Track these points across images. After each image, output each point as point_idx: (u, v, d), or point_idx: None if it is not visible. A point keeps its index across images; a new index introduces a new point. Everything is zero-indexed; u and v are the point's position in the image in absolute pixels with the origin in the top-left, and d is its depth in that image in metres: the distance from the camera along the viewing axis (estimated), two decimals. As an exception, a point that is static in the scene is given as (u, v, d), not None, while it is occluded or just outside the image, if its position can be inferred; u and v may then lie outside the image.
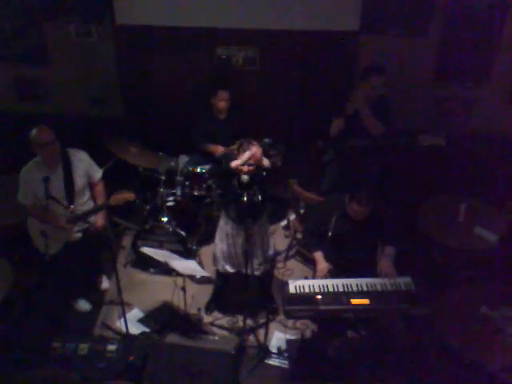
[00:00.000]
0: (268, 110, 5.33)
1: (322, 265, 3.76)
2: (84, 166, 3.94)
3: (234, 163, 3.63)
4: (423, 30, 4.87)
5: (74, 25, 4.92)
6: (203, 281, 4.34)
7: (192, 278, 4.28)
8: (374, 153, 4.46)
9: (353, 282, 3.67)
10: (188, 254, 4.43)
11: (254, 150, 3.60)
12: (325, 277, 3.71)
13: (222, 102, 4.79)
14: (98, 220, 3.99)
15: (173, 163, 4.82)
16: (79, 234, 3.96)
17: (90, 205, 4.04)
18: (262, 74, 5.22)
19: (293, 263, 4.77)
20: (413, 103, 5.16)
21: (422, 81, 5.14)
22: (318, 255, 3.81)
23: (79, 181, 3.90)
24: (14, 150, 4.78)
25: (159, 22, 4.93)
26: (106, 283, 4.45)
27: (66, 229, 3.83)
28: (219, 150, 4.83)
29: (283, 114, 5.33)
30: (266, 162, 3.79)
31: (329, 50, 5.01)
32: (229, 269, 3.98)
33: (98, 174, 4.06)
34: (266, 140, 4.69)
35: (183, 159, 5.05)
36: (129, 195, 3.70)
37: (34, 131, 3.67)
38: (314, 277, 3.87)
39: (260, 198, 3.70)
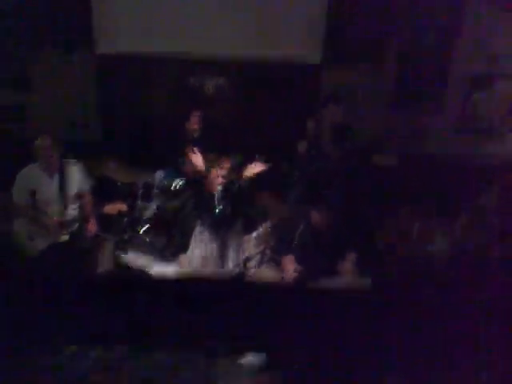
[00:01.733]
0: (238, 129, 5.71)
1: (289, 265, 4.08)
2: (77, 176, 4.30)
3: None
4: (380, 60, 5.33)
5: (55, 54, 5.21)
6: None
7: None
8: (336, 171, 4.88)
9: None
10: (165, 261, 4.69)
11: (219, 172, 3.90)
12: (292, 276, 4.03)
13: (193, 123, 5.17)
14: (91, 227, 4.27)
15: (149, 179, 5.11)
16: (66, 237, 4.21)
17: (79, 213, 4.33)
18: (231, 100, 5.63)
19: (264, 270, 5.06)
20: (369, 127, 5.60)
21: (379, 107, 5.58)
22: (287, 258, 4.14)
23: (72, 188, 4.23)
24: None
25: (136, 49, 5.30)
26: None
27: (55, 230, 4.08)
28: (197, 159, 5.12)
29: (252, 133, 5.71)
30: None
31: (292, 80, 5.43)
32: (203, 272, 4.24)
33: (87, 185, 4.39)
34: (238, 155, 5.08)
35: (159, 174, 5.35)
36: (121, 206, 4.00)
37: (38, 140, 4.05)
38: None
39: (232, 207, 4.03)
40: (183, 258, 4.69)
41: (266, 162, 4.33)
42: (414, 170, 5.35)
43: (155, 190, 4.93)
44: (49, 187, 4.08)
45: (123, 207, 4.05)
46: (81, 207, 4.36)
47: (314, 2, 5.21)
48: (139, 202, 4.86)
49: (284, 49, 5.36)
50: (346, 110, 4.94)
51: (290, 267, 4.08)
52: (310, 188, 5.00)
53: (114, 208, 4.05)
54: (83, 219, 4.26)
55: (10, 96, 5.57)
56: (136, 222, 4.83)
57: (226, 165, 3.98)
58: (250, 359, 3.95)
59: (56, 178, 4.16)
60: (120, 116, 5.72)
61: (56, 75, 5.45)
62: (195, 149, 4.28)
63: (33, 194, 4.07)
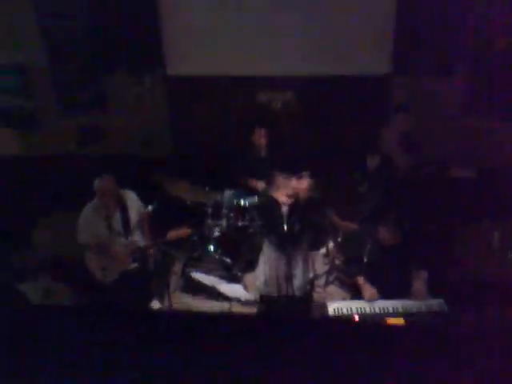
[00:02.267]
0: (306, 145, 5.72)
1: (371, 290, 3.95)
2: (135, 204, 4.49)
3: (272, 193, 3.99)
4: (453, 69, 5.17)
5: (129, 76, 5.51)
6: (248, 303, 4.64)
7: (238, 301, 4.59)
8: (407, 184, 4.75)
9: (389, 304, 3.91)
10: (233, 280, 4.77)
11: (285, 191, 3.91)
12: (373, 298, 3.92)
13: (259, 138, 5.24)
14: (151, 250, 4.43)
15: (218, 197, 5.24)
16: (135, 265, 4.40)
17: (143, 239, 4.51)
18: (300, 115, 5.65)
19: (332, 288, 5.02)
20: (443, 137, 5.41)
21: (451, 116, 5.40)
22: (363, 281, 4.01)
23: (133, 217, 4.43)
24: (72, 190, 5.35)
25: (206, 71, 5.47)
26: (156, 306, 4.80)
27: (125, 261, 4.28)
28: (259, 185, 5.23)
29: (321, 149, 5.69)
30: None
31: (361, 92, 5.38)
32: (271, 290, 4.26)
33: (144, 210, 4.57)
34: (304, 173, 5.09)
35: (228, 193, 5.46)
36: (185, 231, 4.15)
37: (98, 180, 4.22)
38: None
39: (299, 226, 4.04)
40: (250, 276, 4.77)
41: (311, 177, 4.29)
42: (490, 181, 5.11)
43: (224, 210, 5.02)
44: (110, 222, 4.25)
45: (187, 232, 4.16)
46: (142, 234, 4.55)
47: (382, 15, 5.14)
48: (209, 221, 4.97)
49: (352, 61, 5.33)
50: (417, 120, 4.82)
51: (373, 293, 3.95)
52: (379, 203, 4.91)
53: (178, 233, 4.17)
54: (145, 246, 4.41)
55: (86, 117, 5.91)
56: (205, 241, 4.96)
57: (293, 183, 3.99)
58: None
59: (116, 211, 4.34)
60: (190, 135, 5.91)
61: (129, 96, 5.72)
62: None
63: (96, 232, 4.27)
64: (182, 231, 4.20)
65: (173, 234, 4.18)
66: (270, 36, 5.27)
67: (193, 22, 5.29)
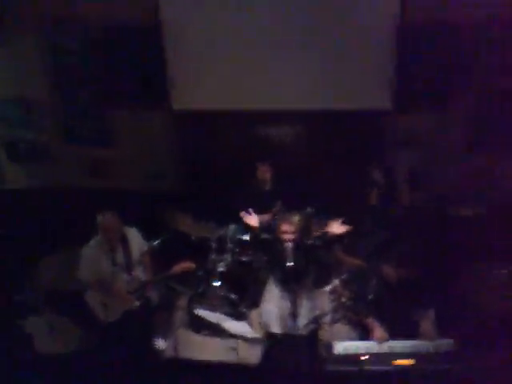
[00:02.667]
0: (310, 181, 5.72)
1: (381, 332, 3.87)
2: (137, 240, 4.47)
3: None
4: (456, 105, 5.21)
5: (136, 111, 5.58)
6: (254, 341, 4.55)
7: (243, 339, 4.50)
8: (412, 221, 4.73)
9: (397, 344, 3.83)
10: (239, 316, 4.69)
11: (287, 228, 3.89)
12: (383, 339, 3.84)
13: (263, 173, 5.25)
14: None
15: (222, 232, 5.21)
16: (137, 303, 4.34)
17: (145, 276, 4.47)
18: (302, 149, 5.69)
19: (339, 326, 4.92)
20: (450, 174, 5.43)
21: (457, 152, 5.42)
22: (373, 322, 3.94)
23: (135, 254, 4.40)
24: (80, 223, 5.35)
25: (210, 106, 5.56)
26: (162, 344, 4.72)
27: (127, 299, 4.23)
28: (263, 218, 5.21)
29: (324, 185, 5.67)
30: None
31: (363, 127, 5.42)
32: (276, 328, 4.20)
33: (145, 246, 4.54)
34: (309, 209, 5.09)
35: (232, 228, 5.43)
36: (189, 265, 4.11)
37: (101, 216, 4.20)
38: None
39: (304, 263, 4.00)
40: (255, 313, 4.70)
41: (345, 223, 4.27)
42: (497, 218, 5.07)
43: (229, 244, 4.99)
44: (113, 259, 4.25)
45: (192, 266, 4.13)
46: (145, 269, 4.52)
47: (384, 52, 5.21)
48: (213, 256, 4.94)
49: (354, 98, 5.39)
50: (419, 157, 4.84)
51: (383, 335, 3.87)
52: (384, 239, 4.87)
53: (182, 267, 4.14)
54: (148, 281, 4.39)
55: (93, 151, 5.97)
56: (210, 276, 4.91)
57: (296, 219, 3.97)
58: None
59: (118, 248, 4.32)
60: (196, 168, 5.95)
61: (134, 131, 5.78)
62: (250, 210, 4.30)
63: (98, 269, 4.25)
64: (187, 265, 4.18)
65: (177, 268, 4.17)
66: (273, 71, 5.36)
67: (198, 57, 5.40)
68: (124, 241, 4.38)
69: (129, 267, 4.34)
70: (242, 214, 4.98)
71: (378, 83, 5.27)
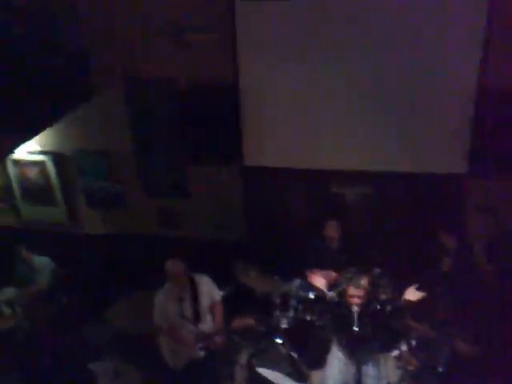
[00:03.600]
0: (378, 241, 5.63)
1: None
2: (207, 288, 4.54)
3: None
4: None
5: (209, 166, 5.84)
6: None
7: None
8: (485, 290, 4.50)
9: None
10: (299, 376, 4.60)
11: (356, 292, 3.84)
12: None
13: (331, 231, 5.23)
14: (218, 338, 4.43)
15: (287, 287, 5.20)
16: (202, 353, 4.39)
17: (213, 325, 4.51)
18: (372, 208, 5.64)
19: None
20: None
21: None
22: None
23: (204, 302, 4.48)
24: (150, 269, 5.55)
25: (280, 164, 5.67)
26: None
27: (192, 347, 4.29)
28: (330, 276, 5.16)
29: (393, 246, 5.57)
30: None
31: (435, 191, 5.30)
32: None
33: (218, 296, 4.61)
34: (377, 270, 4.99)
35: (296, 283, 5.41)
36: (250, 321, 4.14)
37: (168, 263, 4.35)
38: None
39: (371, 328, 3.89)
40: (316, 374, 4.58)
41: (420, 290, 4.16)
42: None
43: (292, 301, 4.97)
44: (181, 306, 4.34)
45: (251, 322, 4.15)
46: (214, 319, 4.56)
47: (458, 115, 5.15)
48: (277, 312, 4.92)
49: (427, 161, 5.32)
50: (495, 225, 4.65)
51: None
52: (456, 309, 4.65)
53: (243, 323, 4.17)
54: (214, 330, 4.44)
55: (171, 204, 6.24)
56: (272, 332, 4.88)
57: (364, 282, 3.90)
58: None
59: (188, 295, 4.41)
60: (262, 223, 6.03)
61: (209, 185, 5.99)
62: (315, 271, 4.24)
63: (167, 314, 4.36)
64: (248, 321, 4.20)
65: (238, 323, 4.19)
66: (346, 132, 5.41)
67: (272, 115, 5.53)
68: (193, 288, 4.46)
69: (196, 316, 4.41)
70: (309, 273, 5.00)
71: (454, 146, 5.17)
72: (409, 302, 3.96)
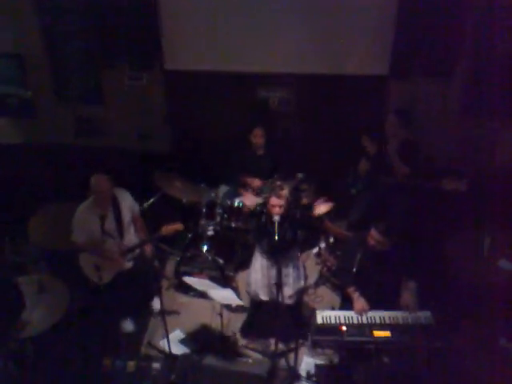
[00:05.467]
0: (302, 147, 5.69)
1: (361, 303, 4.00)
2: (128, 203, 4.49)
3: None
4: (449, 72, 5.12)
5: (126, 71, 5.46)
6: (238, 309, 4.70)
7: (228, 306, 4.64)
8: (399, 190, 4.76)
9: (376, 315, 3.97)
10: (225, 280, 4.83)
11: (277, 202, 3.91)
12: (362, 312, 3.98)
13: (257, 138, 5.21)
14: (147, 248, 4.47)
15: (213, 194, 5.24)
16: (130, 263, 4.43)
17: (136, 237, 4.53)
18: (296, 115, 5.62)
19: (322, 290, 5.08)
20: (440, 143, 5.39)
21: (448, 121, 5.36)
22: (355, 293, 4.05)
23: (126, 216, 4.45)
24: (70, 181, 5.35)
25: (203, 67, 5.42)
26: (157, 304, 4.81)
27: (119, 261, 4.32)
28: (255, 182, 5.24)
29: (315, 151, 5.65)
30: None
31: (358, 93, 5.32)
32: (262, 297, 4.32)
33: (137, 208, 4.61)
34: (299, 175, 5.11)
35: (223, 189, 5.46)
36: (178, 226, 4.16)
37: (93, 178, 4.19)
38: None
39: (291, 235, 4.06)
40: (242, 279, 4.81)
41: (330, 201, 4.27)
42: (484, 189, 5.10)
43: (218, 209, 5.04)
44: (105, 222, 4.27)
45: (180, 227, 4.17)
46: (136, 231, 4.58)
47: (382, 14, 5.04)
48: (203, 221, 4.99)
49: (350, 61, 5.26)
50: (413, 124, 4.80)
51: (362, 307, 4.01)
52: (372, 205, 4.93)
53: (171, 228, 4.19)
54: (141, 241, 4.46)
55: (84, 110, 5.89)
56: (199, 240, 4.99)
57: (285, 192, 3.97)
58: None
59: (110, 209, 4.34)
60: (186, 130, 5.88)
61: (127, 90, 5.67)
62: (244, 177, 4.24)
63: (89, 231, 4.30)
64: (176, 226, 4.21)
65: (166, 230, 4.20)
66: (268, 34, 5.19)
67: (192, 17, 5.21)
68: (115, 203, 4.39)
69: (120, 230, 4.39)
70: (242, 191, 5.04)
71: (376, 44, 5.12)
72: (320, 215, 4.11)
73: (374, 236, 3.93)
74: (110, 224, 4.35)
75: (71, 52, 5.48)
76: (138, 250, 4.49)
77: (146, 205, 4.98)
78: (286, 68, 5.33)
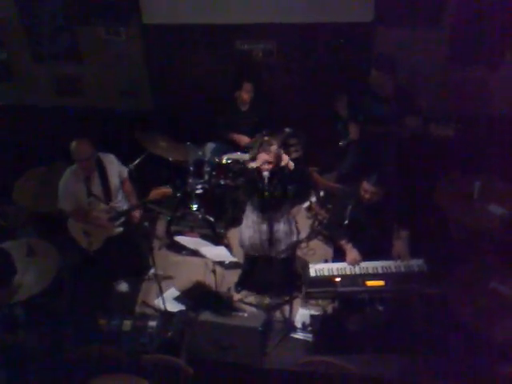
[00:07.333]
0: (288, 100, 5.55)
1: (353, 255, 4.02)
2: (115, 166, 4.35)
3: (253, 164, 3.94)
4: (437, 19, 4.98)
5: (104, 27, 5.23)
6: (232, 266, 4.71)
7: (221, 263, 4.65)
8: (389, 139, 4.71)
9: (369, 265, 4.00)
10: (217, 237, 4.81)
11: (266, 157, 3.84)
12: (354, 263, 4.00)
13: (245, 93, 5.08)
14: (135, 213, 4.40)
15: (200, 153, 5.14)
16: (120, 229, 4.37)
17: (125, 201, 4.45)
18: (280, 66, 5.45)
19: (315, 243, 5.10)
20: (427, 90, 5.29)
21: (435, 68, 5.27)
22: (347, 245, 4.06)
23: (114, 180, 4.32)
24: (52, 142, 5.20)
25: (182, 20, 5.20)
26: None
27: (108, 227, 4.24)
28: (243, 139, 5.15)
29: (302, 104, 5.53)
30: (285, 161, 3.99)
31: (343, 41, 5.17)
32: (255, 252, 4.32)
33: (125, 172, 4.48)
34: (287, 129, 5.03)
35: (210, 147, 5.35)
36: (167, 190, 4.11)
37: (74, 144, 4.01)
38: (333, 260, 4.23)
39: (281, 190, 4.01)
40: (232, 235, 4.79)
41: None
42: (474, 135, 5.09)
43: (206, 167, 4.96)
44: (91, 186, 4.16)
45: (169, 191, 4.11)
46: (125, 195, 4.48)
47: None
48: (191, 179, 4.92)
49: (334, 8, 5.09)
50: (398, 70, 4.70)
51: (355, 257, 4.02)
52: (361, 156, 4.88)
53: (160, 192, 4.12)
54: (130, 207, 4.37)
55: (63, 68, 5.67)
56: (188, 199, 4.93)
57: (274, 147, 3.90)
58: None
59: (95, 175, 4.21)
60: (169, 86, 5.70)
61: (105, 46, 5.46)
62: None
63: (75, 198, 4.18)
64: (165, 190, 4.16)
65: (155, 193, 4.15)
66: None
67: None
68: (100, 167, 4.26)
69: (107, 195, 4.29)
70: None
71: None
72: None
73: (367, 189, 3.90)
74: (97, 189, 4.24)
75: (46, 10, 5.22)
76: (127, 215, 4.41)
77: (131, 166, 4.86)
78: (268, 18, 5.13)
